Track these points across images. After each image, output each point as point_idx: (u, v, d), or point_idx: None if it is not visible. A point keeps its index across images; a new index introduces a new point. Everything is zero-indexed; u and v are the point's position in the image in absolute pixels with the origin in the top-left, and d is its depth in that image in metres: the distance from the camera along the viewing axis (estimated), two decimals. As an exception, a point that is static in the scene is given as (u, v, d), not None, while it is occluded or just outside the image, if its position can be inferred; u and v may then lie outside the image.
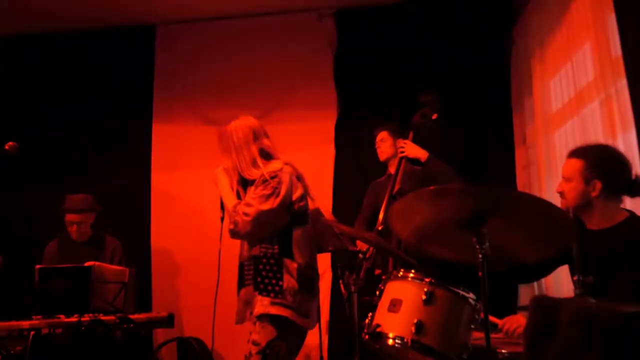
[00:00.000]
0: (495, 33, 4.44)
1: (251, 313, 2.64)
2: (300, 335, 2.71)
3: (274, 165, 2.70)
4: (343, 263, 3.16)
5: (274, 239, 2.66)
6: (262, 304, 2.60)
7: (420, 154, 3.59)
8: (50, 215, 4.58)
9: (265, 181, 2.62)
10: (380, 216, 3.43)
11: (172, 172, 4.87)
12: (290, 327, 2.61)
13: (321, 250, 3.82)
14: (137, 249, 4.50)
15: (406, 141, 3.63)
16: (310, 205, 2.81)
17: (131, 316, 3.31)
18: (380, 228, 3.37)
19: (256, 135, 2.77)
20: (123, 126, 4.93)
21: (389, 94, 4.57)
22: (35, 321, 3.09)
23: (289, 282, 2.61)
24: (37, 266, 3.41)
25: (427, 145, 3.75)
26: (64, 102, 5.00)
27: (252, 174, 2.69)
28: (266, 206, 2.58)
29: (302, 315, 2.62)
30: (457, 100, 4.48)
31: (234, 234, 2.65)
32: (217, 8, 4.82)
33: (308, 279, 2.67)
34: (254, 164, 2.71)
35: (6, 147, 3.16)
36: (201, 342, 4.25)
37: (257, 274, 2.63)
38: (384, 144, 3.83)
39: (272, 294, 2.59)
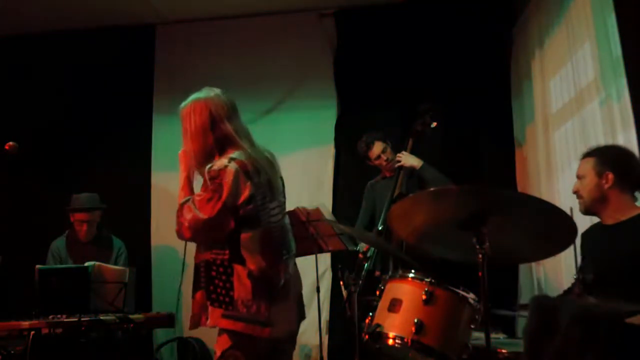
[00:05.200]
0: (495, 33, 4.44)
1: (207, 318, 2.36)
2: (262, 344, 2.36)
3: (220, 162, 2.33)
4: (343, 263, 3.17)
5: (225, 243, 2.36)
6: (214, 316, 2.33)
7: (415, 162, 3.61)
8: (50, 215, 4.60)
9: (210, 180, 2.31)
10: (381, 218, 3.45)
11: (172, 172, 4.85)
12: (245, 338, 2.32)
13: (321, 250, 3.84)
14: (137, 249, 4.49)
15: (403, 152, 3.65)
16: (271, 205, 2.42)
17: (131, 316, 3.31)
18: (380, 228, 3.39)
19: (215, 120, 2.42)
20: (123, 126, 4.92)
21: (389, 93, 4.57)
22: (35, 321, 3.09)
23: (240, 291, 2.31)
24: (37, 266, 3.41)
25: (426, 151, 3.76)
26: (64, 102, 4.99)
27: (205, 170, 2.37)
28: (205, 212, 2.29)
29: (260, 325, 2.30)
30: (457, 100, 4.49)
31: (178, 236, 2.40)
32: (217, 8, 4.81)
33: (266, 284, 2.34)
34: (211, 157, 2.40)
35: (6, 147, 3.16)
36: (201, 342, 4.25)
37: (210, 282, 2.35)
38: (387, 154, 3.79)
39: (223, 305, 2.31)
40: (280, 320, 2.36)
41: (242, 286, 2.32)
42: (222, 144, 2.41)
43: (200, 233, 2.35)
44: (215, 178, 2.31)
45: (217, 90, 2.53)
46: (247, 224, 2.35)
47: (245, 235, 2.35)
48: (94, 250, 4.02)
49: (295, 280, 2.56)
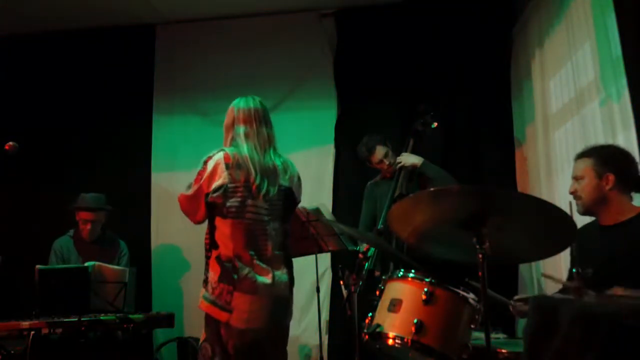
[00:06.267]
0: (496, 33, 4.44)
1: None
2: (228, 335, 2.51)
3: (214, 152, 2.65)
4: (343, 263, 3.17)
5: (209, 227, 2.64)
6: (200, 296, 2.59)
7: (416, 160, 3.60)
8: (50, 214, 4.60)
9: (201, 165, 2.62)
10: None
11: (172, 172, 4.86)
12: (214, 323, 2.53)
13: (321, 250, 3.84)
14: (137, 249, 4.49)
15: (403, 153, 3.65)
16: (242, 197, 2.58)
17: (131, 316, 3.31)
18: (380, 228, 3.38)
19: (234, 122, 2.74)
20: (123, 126, 4.92)
21: (389, 94, 4.57)
22: (35, 321, 3.09)
23: (212, 274, 2.55)
24: (37, 266, 3.41)
25: (426, 151, 3.76)
26: (64, 102, 4.99)
27: None
28: (187, 192, 2.60)
29: (220, 308, 2.50)
30: (457, 100, 4.49)
31: None
32: (216, 8, 4.81)
33: (231, 271, 2.52)
34: None
35: (6, 147, 3.16)
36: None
37: (205, 264, 2.63)
38: (389, 158, 3.76)
39: (203, 284, 2.59)
40: (242, 311, 2.50)
41: (213, 269, 2.55)
42: (231, 143, 2.71)
43: (183, 208, 2.65)
44: (204, 163, 2.61)
45: (250, 98, 2.83)
46: (217, 211, 2.58)
47: (220, 221, 2.58)
48: (101, 250, 4.04)
49: (279, 286, 2.62)
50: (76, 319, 3.09)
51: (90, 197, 4.09)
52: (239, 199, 2.57)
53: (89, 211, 4.03)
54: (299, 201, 2.89)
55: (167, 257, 4.79)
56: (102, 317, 3.22)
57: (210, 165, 2.58)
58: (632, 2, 2.57)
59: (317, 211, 3.64)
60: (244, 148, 2.64)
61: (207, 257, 2.60)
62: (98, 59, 5.01)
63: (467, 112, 4.47)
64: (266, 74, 4.84)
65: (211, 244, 2.60)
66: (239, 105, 2.77)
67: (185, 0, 4.71)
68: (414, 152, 3.66)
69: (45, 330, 3.07)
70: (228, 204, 2.56)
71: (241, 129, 2.70)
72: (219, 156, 2.60)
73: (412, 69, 4.55)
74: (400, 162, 3.61)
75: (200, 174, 2.59)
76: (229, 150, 2.63)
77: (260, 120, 2.76)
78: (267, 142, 2.73)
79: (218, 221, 2.58)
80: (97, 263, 3.51)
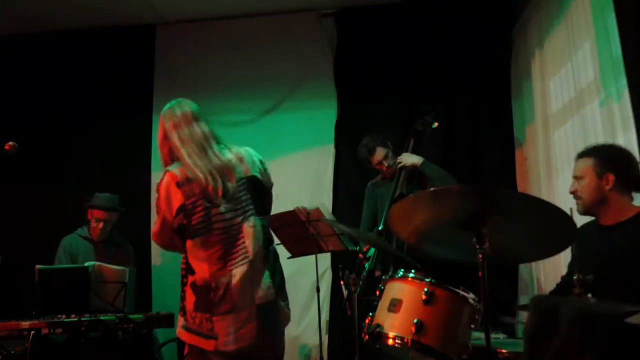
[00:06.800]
0: (496, 33, 4.44)
1: None
2: (217, 356, 2.37)
3: (162, 176, 2.47)
4: (343, 263, 3.17)
5: (184, 253, 2.50)
6: (178, 325, 2.47)
7: (416, 160, 3.60)
8: (50, 214, 4.60)
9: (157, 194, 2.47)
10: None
11: (172, 172, 4.86)
12: (195, 350, 2.40)
13: (321, 250, 3.84)
14: (137, 249, 4.49)
15: (403, 154, 3.65)
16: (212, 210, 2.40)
17: (131, 316, 3.31)
18: (380, 228, 3.39)
19: (165, 133, 2.51)
20: (123, 126, 4.93)
21: (389, 93, 4.58)
22: (35, 321, 3.09)
23: (188, 301, 2.41)
24: (37, 266, 3.41)
25: (426, 151, 3.76)
26: (64, 102, 4.99)
27: None
28: (155, 227, 2.50)
29: (204, 337, 2.36)
30: (457, 100, 4.49)
31: None
32: (216, 8, 4.81)
33: (207, 295, 2.37)
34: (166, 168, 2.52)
35: (6, 147, 3.16)
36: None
37: (181, 291, 2.50)
38: (389, 160, 3.76)
39: (180, 313, 2.46)
40: (226, 334, 2.34)
41: (189, 297, 2.43)
42: (172, 155, 2.51)
43: (160, 244, 2.58)
44: (157, 191, 2.46)
45: (174, 102, 2.61)
46: (186, 233, 2.43)
47: (190, 243, 2.43)
48: (116, 252, 4.06)
49: (254, 290, 2.41)
50: (76, 319, 3.09)
51: (105, 197, 4.09)
52: (202, 213, 2.39)
53: (103, 210, 4.04)
54: (271, 185, 2.63)
55: (167, 257, 4.78)
56: (102, 317, 3.21)
57: (161, 193, 2.43)
58: (632, 2, 2.57)
59: (317, 211, 3.64)
60: (184, 157, 2.43)
61: (184, 284, 2.47)
62: (98, 59, 5.01)
63: (467, 112, 4.48)
64: (266, 74, 4.84)
65: (187, 269, 2.45)
66: (165, 113, 2.56)
67: (185, 0, 4.71)
68: (414, 152, 3.66)
69: (45, 330, 3.06)
70: (193, 222, 2.39)
71: (174, 138, 2.48)
72: (166, 179, 2.43)
73: (412, 69, 4.55)
74: (400, 162, 3.62)
75: (157, 204, 2.45)
76: (172, 168, 2.44)
77: (189, 120, 2.52)
78: (205, 140, 2.49)
79: (189, 244, 2.42)
80: (97, 263, 3.52)
